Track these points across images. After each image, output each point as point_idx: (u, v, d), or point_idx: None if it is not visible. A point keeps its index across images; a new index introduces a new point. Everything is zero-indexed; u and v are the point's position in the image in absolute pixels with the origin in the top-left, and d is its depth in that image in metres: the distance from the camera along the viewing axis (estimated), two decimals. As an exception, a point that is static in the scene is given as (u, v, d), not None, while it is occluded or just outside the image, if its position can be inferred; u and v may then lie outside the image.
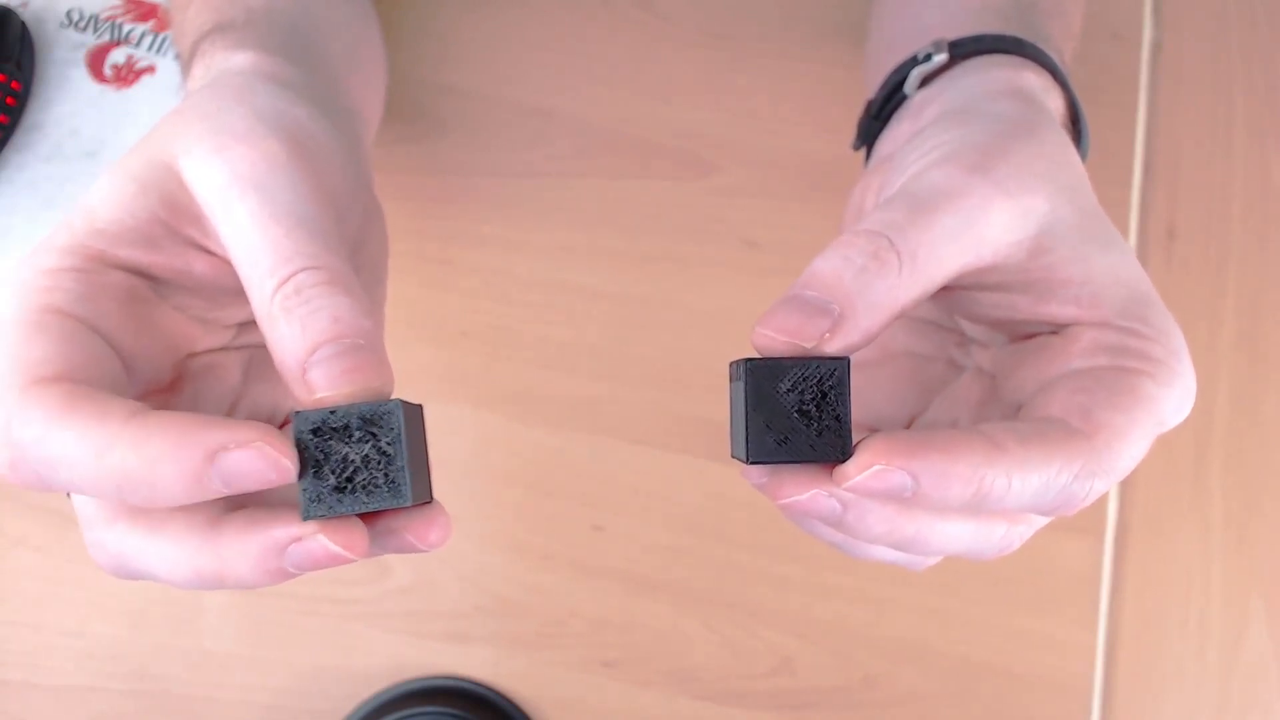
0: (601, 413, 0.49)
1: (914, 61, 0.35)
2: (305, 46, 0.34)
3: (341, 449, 0.21)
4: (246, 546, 0.22)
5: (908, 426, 0.31)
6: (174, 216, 0.26)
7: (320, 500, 0.21)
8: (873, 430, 0.30)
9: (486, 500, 0.49)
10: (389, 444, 0.21)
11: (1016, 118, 0.28)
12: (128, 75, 0.51)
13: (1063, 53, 0.36)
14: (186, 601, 0.48)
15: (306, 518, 0.21)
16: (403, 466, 0.21)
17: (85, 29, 0.51)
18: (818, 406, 0.23)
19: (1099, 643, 0.48)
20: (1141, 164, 0.52)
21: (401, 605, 0.48)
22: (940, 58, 0.34)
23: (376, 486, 0.21)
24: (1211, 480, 0.49)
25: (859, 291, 0.23)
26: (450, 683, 0.47)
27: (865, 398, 0.32)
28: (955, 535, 0.25)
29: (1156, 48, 0.53)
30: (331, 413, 0.21)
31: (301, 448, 0.21)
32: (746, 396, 0.23)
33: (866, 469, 0.22)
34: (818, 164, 0.51)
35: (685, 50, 0.52)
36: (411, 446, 0.22)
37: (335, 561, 0.22)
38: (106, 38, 0.51)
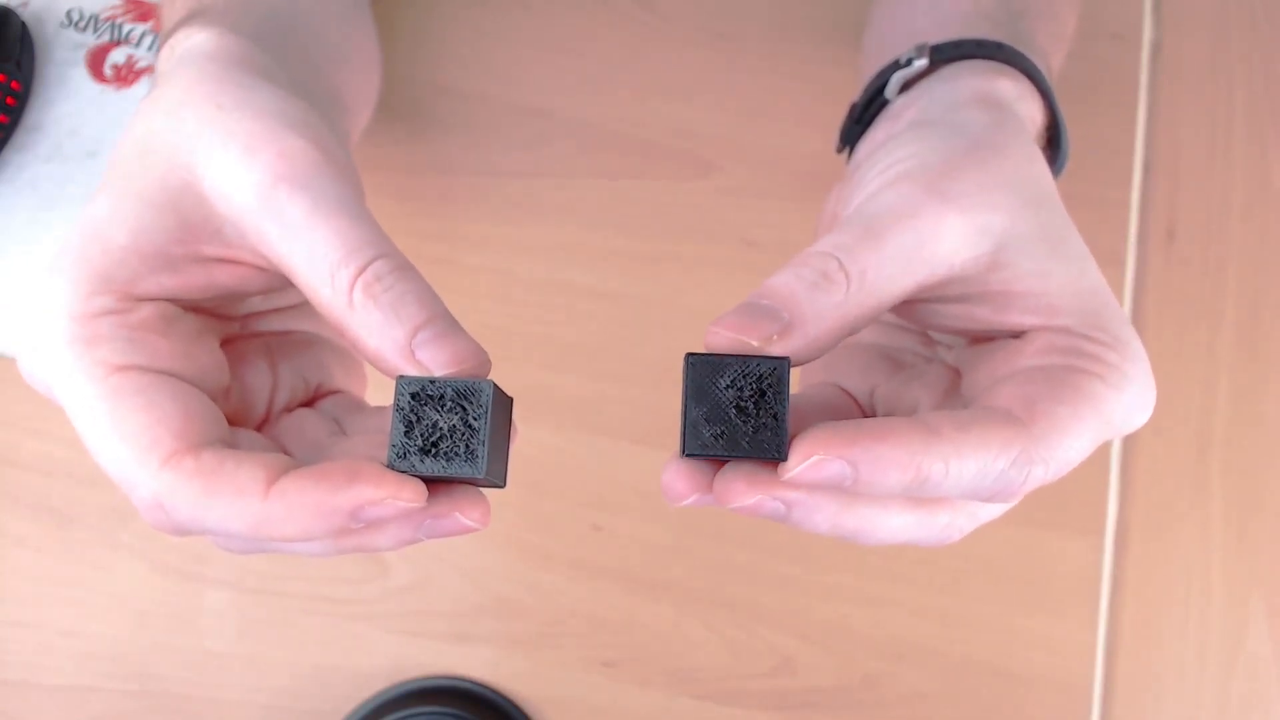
0: (601, 413, 0.49)
1: (896, 65, 0.35)
2: (283, 32, 0.34)
3: (433, 416, 0.23)
4: (310, 500, 0.23)
5: (870, 396, 0.31)
6: (193, 236, 0.25)
7: (404, 457, 0.23)
8: (839, 388, 0.31)
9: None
10: (475, 418, 0.23)
11: (979, 130, 0.29)
12: (128, 75, 0.51)
13: (1050, 57, 0.36)
14: (186, 601, 0.48)
15: (391, 467, 0.23)
16: (484, 440, 0.23)
17: (85, 29, 0.51)
18: (755, 404, 0.23)
19: (1099, 643, 0.48)
20: (1141, 164, 0.52)
21: (401, 605, 0.48)
22: (921, 62, 0.34)
23: (456, 454, 0.23)
24: (1211, 480, 0.49)
25: (809, 303, 0.24)
26: (450, 683, 0.47)
27: (834, 367, 0.32)
28: (898, 527, 0.25)
29: (1156, 48, 0.53)
30: (431, 382, 0.23)
31: (398, 408, 0.23)
32: (686, 389, 0.24)
33: (806, 459, 0.22)
34: (818, 164, 0.51)
35: (685, 50, 0.52)
36: (495, 428, 0.23)
37: (400, 514, 0.23)
38: (106, 38, 0.51)
